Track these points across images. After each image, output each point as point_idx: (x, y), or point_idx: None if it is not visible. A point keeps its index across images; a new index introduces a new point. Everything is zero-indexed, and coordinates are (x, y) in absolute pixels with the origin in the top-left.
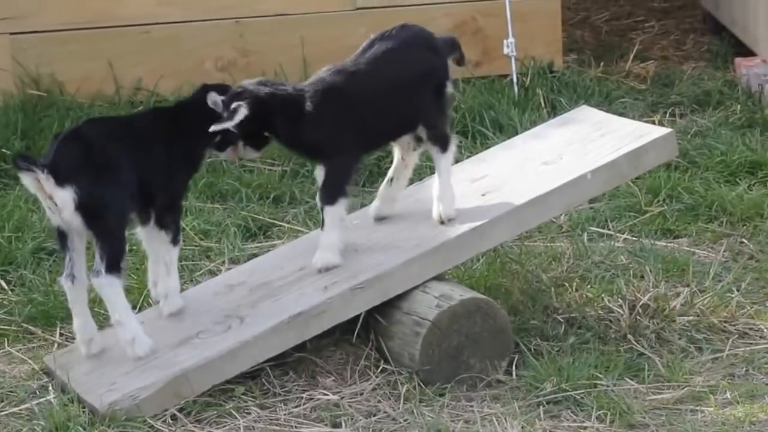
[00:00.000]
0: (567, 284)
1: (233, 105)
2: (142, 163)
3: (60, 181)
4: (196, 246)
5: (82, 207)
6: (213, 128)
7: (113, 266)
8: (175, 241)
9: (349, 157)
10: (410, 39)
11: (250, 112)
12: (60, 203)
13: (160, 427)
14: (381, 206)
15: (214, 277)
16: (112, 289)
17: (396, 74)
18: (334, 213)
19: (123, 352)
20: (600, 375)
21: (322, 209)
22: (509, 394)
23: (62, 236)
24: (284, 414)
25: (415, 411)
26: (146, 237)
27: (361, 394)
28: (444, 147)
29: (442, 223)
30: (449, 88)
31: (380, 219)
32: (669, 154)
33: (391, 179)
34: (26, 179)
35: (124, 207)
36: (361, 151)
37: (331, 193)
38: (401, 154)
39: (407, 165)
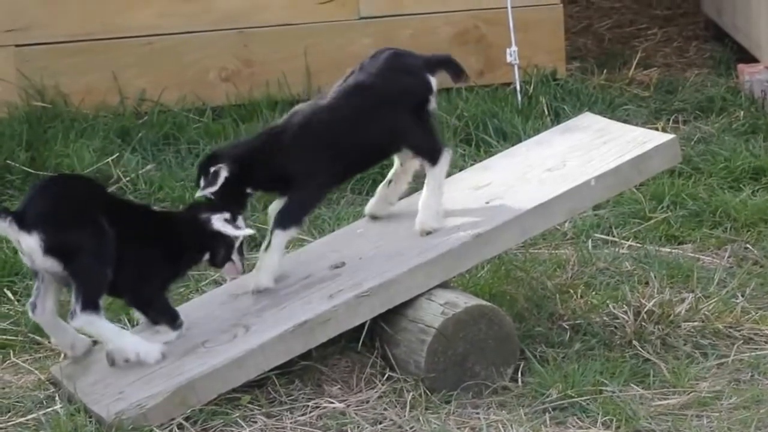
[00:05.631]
0: (572, 291)
1: (212, 169)
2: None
3: (26, 228)
4: None
5: (52, 251)
6: (199, 194)
7: (89, 304)
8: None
9: (316, 189)
10: (379, 66)
11: (230, 173)
12: (26, 249)
13: None
14: (375, 205)
15: (219, 286)
16: (92, 326)
17: (364, 105)
18: (282, 238)
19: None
20: (605, 381)
21: (272, 231)
22: (515, 401)
23: (35, 270)
24: (290, 422)
25: (421, 418)
26: None
27: (367, 402)
28: (433, 160)
29: (426, 234)
30: (433, 105)
31: (373, 218)
32: (672, 160)
33: (390, 181)
34: None
35: (101, 246)
36: (330, 183)
37: (288, 219)
38: (401, 159)
39: (406, 170)
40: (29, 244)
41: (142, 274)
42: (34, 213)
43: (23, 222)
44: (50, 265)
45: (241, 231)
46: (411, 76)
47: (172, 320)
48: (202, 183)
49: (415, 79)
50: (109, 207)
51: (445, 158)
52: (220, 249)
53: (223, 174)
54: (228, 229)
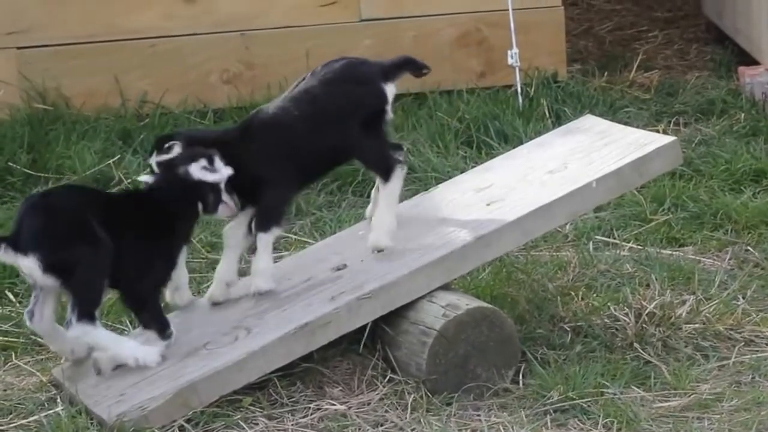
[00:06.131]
0: (573, 293)
1: (166, 144)
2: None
3: (22, 251)
4: (203, 258)
5: (51, 269)
6: (152, 161)
7: (84, 314)
8: (164, 336)
9: (284, 192)
10: (330, 75)
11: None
12: (26, 270)
13: None
14: (373, 208)
15: None
16: (88, 336)
17: (316, 112)
18: (267, 240)
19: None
20: (607, 383)
21: (255, 236)
22: (516, 403)
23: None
24: (292, 424)
25: (422, 420)
26: None
27: (369, 404)
28: (386, 176)
29: (378, 251)
30: (389, 114)
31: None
32: (673, 162)
33: (378, 186)
34: None
35: (97, 257)
36: (295, 186)
37: (267, 220)
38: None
39: None
40: (28, 266)
41: (147, 260)
42: (28, 234)
43: (18, 245)
44: (50, 282)
45: (219, 174)
46: (363, 86)
47: (162, 329)
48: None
49: (368, 89)
50: (101, 208)
51: (398, 175)
52: (209, 195)
53: (176, 149)
54: (207, 176)
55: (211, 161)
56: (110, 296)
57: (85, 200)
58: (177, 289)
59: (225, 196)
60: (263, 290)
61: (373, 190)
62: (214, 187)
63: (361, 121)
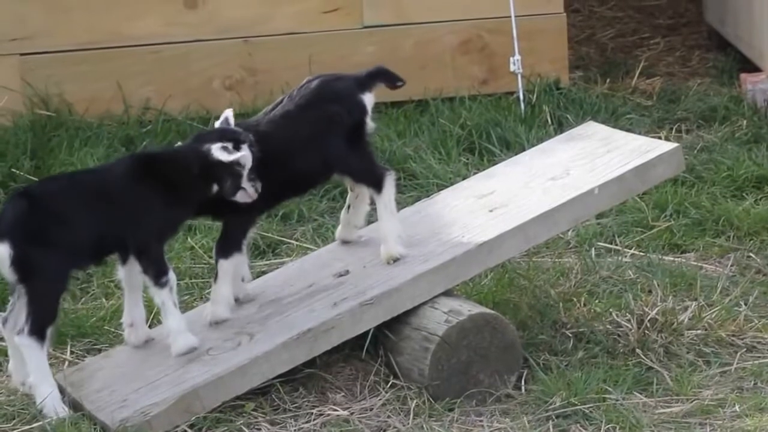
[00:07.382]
0: (575, 299)
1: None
2: (103, 219)
3: None
4: (205, 264)
5: (16, 263)
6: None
7: (36, 330)
8: (159, 284)
9: (249, 214)
10: (306, 97)
11: None
12: None
13: None
14: (342, 231)
15: None
16: (32, 351)
17: (293, 134)
18: (227, 266)
19: (135, 369)
20: (609, 389)
21: (216, 262)
22: (518, 409)
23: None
24: (294, 430)
25: (424, 426)
26: (125, 275)
27: (371, 410)
28: (378, 187)
29: (394, 261)
30: (369, 125)
31: (344, 243)
32: (676, 169)
33: (349, 206)
34: None
35: (60, 274)
36: (265, 207)
37: (229, 247)
38: (348, 184)
39: (357, 195)
40: (0, 253)
41: (151, 221)
42: (6, 221)
43: None
44: (12, 278)
45: (232, 155)
46: (340, 102)
47: (157, 275)
48: None
49: (346, 104)
50: (97, 189)
51: (389, 182)
52: (226, 178)
53: None
54: (223, 156)
55: (237, 146)
56: (112, 302)
57: (78, 188)
58: (132, 325)
59: (245, 183)
60: (221, 319)
61: (342, 212)
62: (233, 171)
63: (344, 137)
